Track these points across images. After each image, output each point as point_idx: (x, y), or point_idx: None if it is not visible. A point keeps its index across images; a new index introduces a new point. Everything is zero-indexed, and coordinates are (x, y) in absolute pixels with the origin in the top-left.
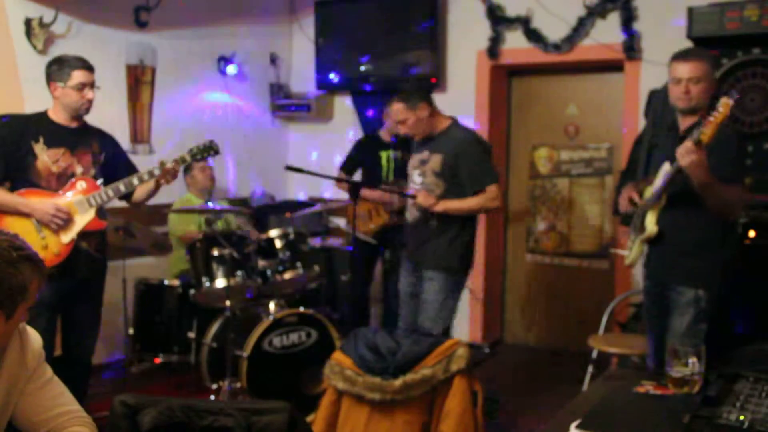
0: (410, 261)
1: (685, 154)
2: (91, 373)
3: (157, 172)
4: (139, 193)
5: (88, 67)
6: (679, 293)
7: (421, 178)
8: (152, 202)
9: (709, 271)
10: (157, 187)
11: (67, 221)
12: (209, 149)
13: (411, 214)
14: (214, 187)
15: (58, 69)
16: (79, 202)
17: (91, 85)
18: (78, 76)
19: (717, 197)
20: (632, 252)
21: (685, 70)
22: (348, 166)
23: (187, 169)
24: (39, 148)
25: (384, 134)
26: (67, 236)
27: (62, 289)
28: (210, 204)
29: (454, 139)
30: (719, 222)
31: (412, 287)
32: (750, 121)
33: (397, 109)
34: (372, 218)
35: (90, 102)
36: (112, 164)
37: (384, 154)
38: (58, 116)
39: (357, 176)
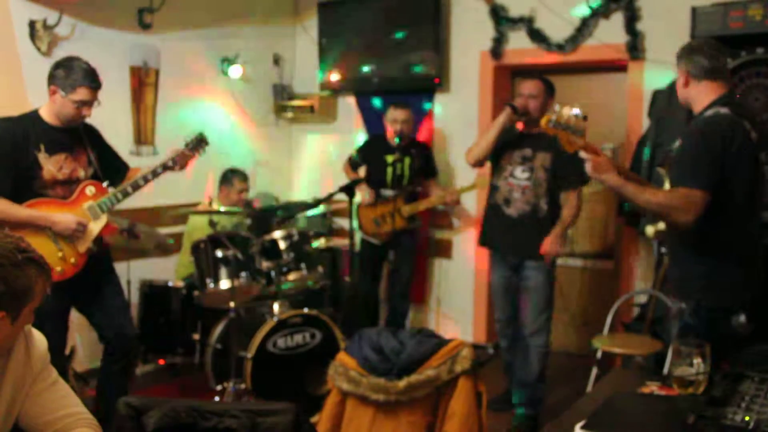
0: (507, 255)
1: (585, 161)
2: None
3: (159, 170)
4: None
5: (94, 86)
6: (672, 302)
7: (527, 173)
8: (159, 203)
9: (688, 283)
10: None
11: (86, 232)
12: (201, 141)
13: (516, 208)
14: (242, 206)
15: (64, 76)
16: (90, 208)
17: (92, 102)
18: (82, 93)
19: (638, 203)
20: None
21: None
22: (354, 162)
23: (227, 182)
24: (42, 158)
25: (389, 138)
26: (83, 245)
27: (74, 290)
28: (214, 204)
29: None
30: (707, 229)
31: (506, 281)
32: (754, 119)
33: (537, 85)
34: (384, 222)
35: (84, 118)
36: (103, 156)
37: (390, 158)
38: (51, 117)
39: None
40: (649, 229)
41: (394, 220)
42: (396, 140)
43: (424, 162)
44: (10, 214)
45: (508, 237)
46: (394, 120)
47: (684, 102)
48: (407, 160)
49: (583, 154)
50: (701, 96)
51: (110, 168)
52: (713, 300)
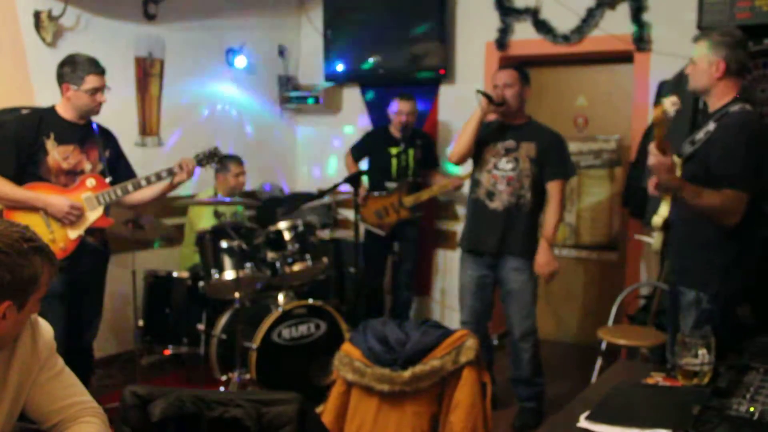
0: (481, 251)
1: (650, 155)
2: (93, 364)
3: (164, 174)
4: (144, 194)
5: (101, 71)
6: (682, 293)
7: (512, 164)
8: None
9: (708, 271)
10: (169, 189)
11: (79, 217)
12: (213, 156)
13: (502, 201)
14: (240, 192)
15: (71, 71)
16: (87, 199)
17: (103, 88)
18: (91, 80)
19: (693, 205)
20: (655, 240)
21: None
22: (356, 153)
23: (222, 169)
24: (50, 144)
25: (393, 130)
26: (75, 232)
27: (70, 279)
28: (219, 195)
29: (542, 131)
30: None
31: (479, 280)
32: (760, 113)
33: (512, 74)
34: (387, 214)
35: (100, 105)
36: (115, 164)
37: (394, 150)
38: (67, 113)
39: (363, 165)
40: (657, 219)
41: (397, 212)
42: (400, 132)
43: (426, 152)
44: (6, 193)
45: (493, 233)
46: (400, 111)
47: (702, 90)
48: (411, 152)
49: (652, 149)
50: (728, 90)
51: (119, 172)
52: (733, 287)
